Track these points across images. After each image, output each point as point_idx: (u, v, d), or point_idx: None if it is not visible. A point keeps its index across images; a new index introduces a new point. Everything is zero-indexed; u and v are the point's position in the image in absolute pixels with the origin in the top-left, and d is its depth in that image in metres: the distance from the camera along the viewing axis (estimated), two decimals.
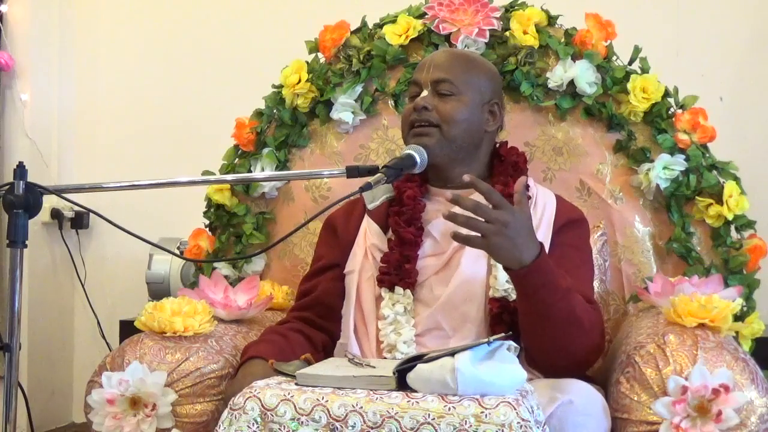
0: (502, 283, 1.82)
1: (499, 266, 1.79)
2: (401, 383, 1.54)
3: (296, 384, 1.58)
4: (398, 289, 1.87)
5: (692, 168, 2.21)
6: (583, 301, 1.76)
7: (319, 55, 2.41)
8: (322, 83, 2.36)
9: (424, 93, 1.90)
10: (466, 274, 1.84)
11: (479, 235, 1.62)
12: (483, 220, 1.61)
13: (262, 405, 1.53)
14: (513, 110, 2.29)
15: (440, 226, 1.91)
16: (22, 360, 3.20)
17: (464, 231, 1.63)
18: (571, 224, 1.92)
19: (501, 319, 1.80)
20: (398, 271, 1.88)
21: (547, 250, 1.82)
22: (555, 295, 1.68)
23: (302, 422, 1.51)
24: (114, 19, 3.60)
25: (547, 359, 1.75)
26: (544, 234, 1.88)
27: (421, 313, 1.86)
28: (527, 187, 1.93)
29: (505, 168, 1.96)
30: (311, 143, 2.41)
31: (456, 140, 1.89)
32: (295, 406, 1.51)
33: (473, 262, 1.85)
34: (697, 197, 2.22)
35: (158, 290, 3.10)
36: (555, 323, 1.69)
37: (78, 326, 3.61)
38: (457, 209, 1.64)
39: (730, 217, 2.19)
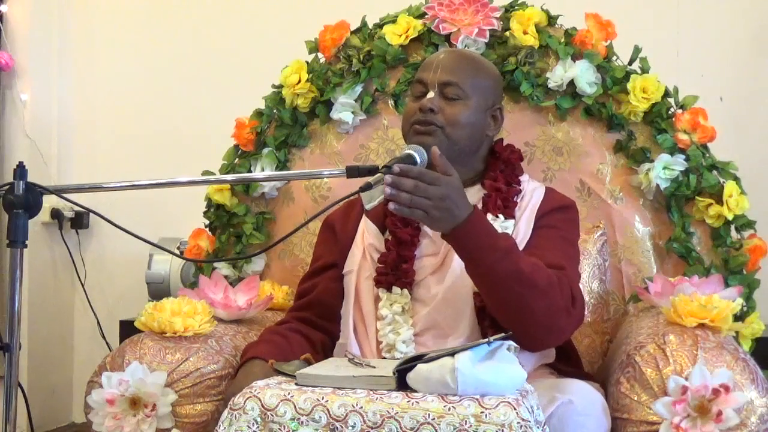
0: None
1: None
2: (401, 383, 1.53)
3: (296, 384, 1.58)
4: (396, 289, 1.87)
5: (692, 168, 2.21)
6: (538, 262, 1.73)
7: (319, 55, 2.41)
8: (322, 83, 2.36)
9: (431, 94, 1.89)
10: (459, 271, 1.84)
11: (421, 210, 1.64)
12: (424, 197, 1.63)
13: (262, 405, 1.53)
14: (513, 110, 2.29)
15: None
16: (22, 360, 3.19)
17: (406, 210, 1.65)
18: (555, 210, 1.92)
19: (485, 312, 1.80)
20: (395, 271, 1.88)
21: (528, 236, 1.84)
22: (495, 254, 1.68)
23: (302, 422, 1.50)
24: (113, 20, 3.60)
25: (513, 326, 1.69)
26: (526, 222, 1.88)
27: (419, 312, 1.86)
28: (519, 182, 1.95)
29: (497, 164, 1.96)
30: (311, 143, 2.41)
31: (458, 143, 1.89)
32: (295, 406, 1.51)
33: None
34: (697, 197, 2.22)
35: (158, 290, 3.10)
36: (503, 284, 1.69)
37: (78, 326, 3.61)
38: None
39: (730, 217, 2.19)
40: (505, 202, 1.89)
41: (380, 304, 1.88)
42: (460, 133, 1.88)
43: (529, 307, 1.69)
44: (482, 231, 1.69)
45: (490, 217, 1.87)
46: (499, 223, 1.86)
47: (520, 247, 1.79)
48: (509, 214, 1.89)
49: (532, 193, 1.94)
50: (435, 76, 1.90)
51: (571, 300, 1.75)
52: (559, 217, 1.91)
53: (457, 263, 1.84)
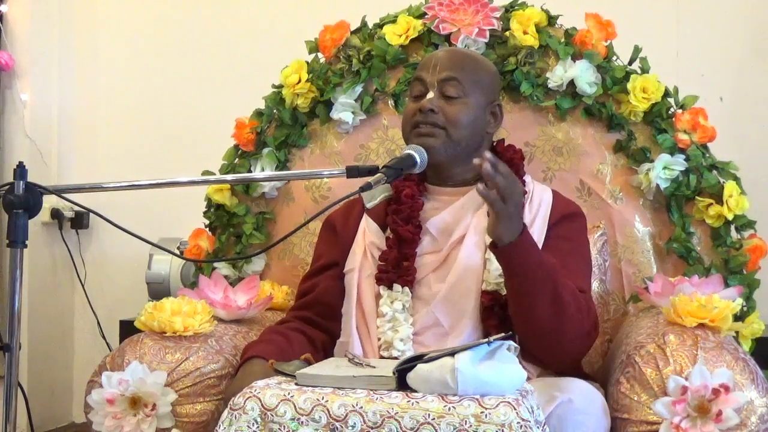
0: (495, 277, 1.83)
1: (493, 260, 1.81)
2: (401, 383, 1.54)
3: (296, 384, 1.58)
4: (397, 287, 1.87)
5: (692, 168, 2.21)
6: (572, 286, 1.76)
7: (319, 55, 2.40)
8: (322, 83, 2.36)
9: (431, 95, 1.90)
10: (463, 269, 1.85)
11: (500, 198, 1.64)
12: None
13: (262, 405, 1.53)
14: (513, 110, 2.29)
15: (438, 223, 1.92)
16: (22, 360, 3.19)
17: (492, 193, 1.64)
18: (566, 218, 1.93)
19: (492, 311, 1.81)
20: (397, 269, 1.88)
21: (541, 245, 1.85)
22: (541, 272, 1.70)
23: (302, 422, 1.51)
24: (114, 19, 3.60)
25: (536, 344, 1.76)
26: (539, 229, 1.89)
27: (419, 310, 1.87)
28: (524, 182, 1.95)
29: None
30: (311, 143, 2.41)
31: (461, 142, 1.90)
32: (295, 406, 1.51)
33: (469, 257, 1.86)
34: (697, 197, 2.22)
35: (158, 290, 3.10)
36: (541, 303, 1.71)
37: (78, 326, 3.61)
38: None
39: (730, 217, 2.19)
40: None
41: (381, 302, 1.88)
42: (461, 133, 1.89)
43: (559, 329, 1.74)
44: (533, 247, 1.72)
45: None
46: None
47: None
48: None
49: (540, 196, 1.95)
50: (434, 74, 1.91)
51: (594, 325, 1.81)
52: (570, 226, 1.92)
53: (461, 261, 1.85)
